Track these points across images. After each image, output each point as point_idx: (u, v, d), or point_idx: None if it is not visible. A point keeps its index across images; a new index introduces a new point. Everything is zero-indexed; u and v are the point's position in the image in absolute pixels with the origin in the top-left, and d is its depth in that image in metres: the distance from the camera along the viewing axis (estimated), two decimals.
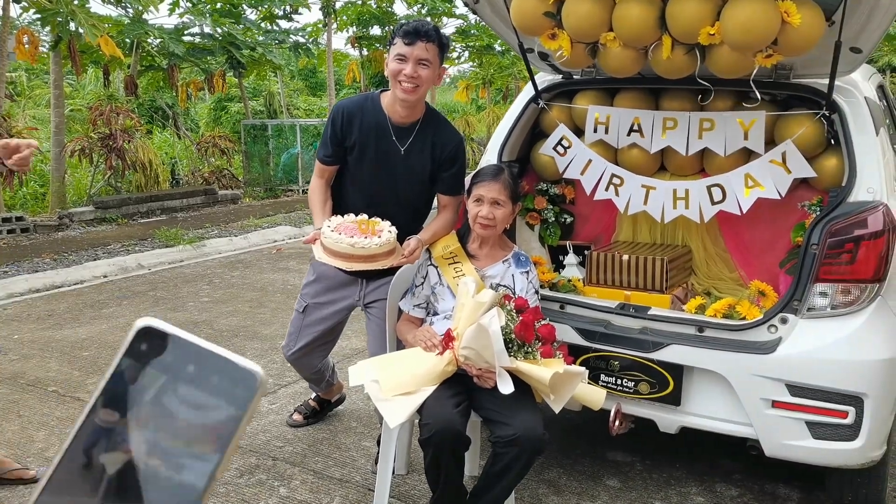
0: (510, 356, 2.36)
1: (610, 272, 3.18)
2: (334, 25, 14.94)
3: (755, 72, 2.55)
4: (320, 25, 15.14)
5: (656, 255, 3.14)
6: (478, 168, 2.92)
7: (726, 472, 3.15)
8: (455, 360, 2.43)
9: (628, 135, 3.21)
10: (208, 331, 5.02)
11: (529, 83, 3.38)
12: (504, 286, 2.68)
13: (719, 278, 3.36)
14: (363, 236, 2.61)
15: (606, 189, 3.19)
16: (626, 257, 3.14)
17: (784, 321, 2.57)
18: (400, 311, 2.84)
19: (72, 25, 9.31)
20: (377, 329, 2.94)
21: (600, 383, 2.77)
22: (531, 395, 2.49)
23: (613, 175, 3.18)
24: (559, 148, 3.30)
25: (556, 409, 2.47)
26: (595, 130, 3.26)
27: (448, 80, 24.33)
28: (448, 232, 2.83)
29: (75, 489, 0.48)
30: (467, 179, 2.85)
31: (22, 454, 3.24)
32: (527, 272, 2.75)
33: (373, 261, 2.62)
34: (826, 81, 2.69)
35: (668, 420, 2.74)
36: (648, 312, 2.83)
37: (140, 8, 11.27)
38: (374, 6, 15.06)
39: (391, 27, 14.75)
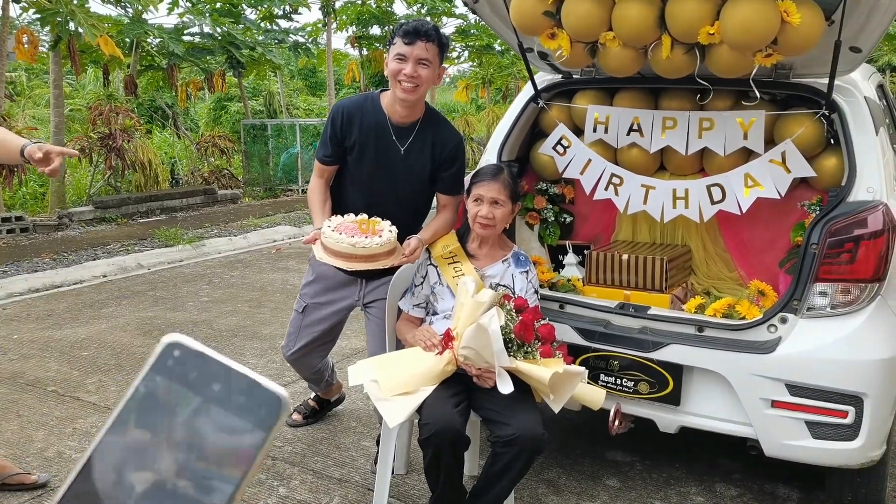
0: (510, 356, 2.36)
1: (609, 272, 3.17)
2: (334, 25, 14.94)
3: (755, 71, 2.54)
4: (320, 25, 15.14)
5: (656, 254, 3.14)
6: (477, 168, 2.92)
7: (726, 471, 3.15)
8: (454, 359, 2.43)
9: (628, 134, 3.20)
10: (208, 330, 5.02)
11: (529, 83, 3.38)
12: (503, 286, 2.68)
13: (719, 278, 3.35)
14: (364, 236, 2.61)
15: (606, 189, 3.19)
16: (625, 257, 3.14)
17: (784, 321, 2.56)
18: (399, 311, 2.84)
19: (71, 25, 9.31)
20: (376, 329, 2.94)
21: (600, 383, 2.77)
22: (531, 395, 2.49)
23: (613, 175, 3.18)
24: (559, 147, 3.29)
25: (556, 408, 2.47)
26: (594, 130, 3.26)
27: (448, 79, 24.35)
28: (448, 231, 2.83)
29: (93, 502, 0.48)
30: (467, 179, 2.85)
31: (21, 454, 3.24)
32: (526, 272, 2.74)
33: (374, 260, 2.62)
34: (826, 81, 2.69)
35: (667, 420, 2.74)
36: (648, 312, 2.83)
37: (139, 7, 11.27)
38: (374, 6, 15.06)
39: (391, 27, 14.76)
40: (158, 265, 7.18)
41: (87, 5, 9.80)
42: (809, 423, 2.49)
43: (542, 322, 2.51)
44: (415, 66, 2.63)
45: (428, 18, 13.42)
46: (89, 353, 4.57)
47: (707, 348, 2.64)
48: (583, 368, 2.52)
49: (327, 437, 3.44)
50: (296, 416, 3.55)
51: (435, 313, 2.75)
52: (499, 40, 13.64)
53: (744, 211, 2.95)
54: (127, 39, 11.62)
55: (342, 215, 2.76)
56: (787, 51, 2.42)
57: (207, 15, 12.36)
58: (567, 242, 3.53)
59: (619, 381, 2.76)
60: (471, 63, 19.27)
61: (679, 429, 2.73)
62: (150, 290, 6.21)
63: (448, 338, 2.47)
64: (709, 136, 3.06)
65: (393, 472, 2.78)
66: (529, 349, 2.41)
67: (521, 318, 2.43)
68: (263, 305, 5.68)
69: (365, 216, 2.72)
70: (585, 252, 3.36)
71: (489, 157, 3.33)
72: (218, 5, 12.89)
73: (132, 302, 5.79)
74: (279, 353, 3.92)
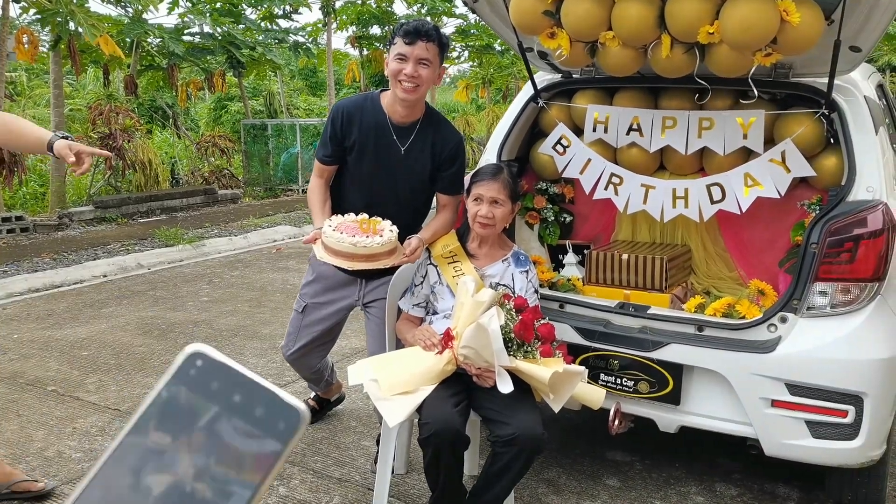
0: (509, 355, 2.36)
1: (609, 271, 3.17)
2: (334, 25, 14.94)
3: (753, 70, 2.54)
4: (320, 25, 15.14)
5: (656, 254, 3.14)
6: (477, 167, 2.92)
7: (726, 471, 3.15)
8: (454, 359, 2.43)
9: (627, 134, 3.20)
10: (208, 330, 5.02)
11: (528, 82, 3.38)
12: (503, 285, 2.68)
13: (719, 277, 3.35)
14: (365, 235, 2.61)
15: (606, 188, 3.19)
16: (625, 256, 3.14)
17: (783, 320, 2.56)
18: (399, 311, 2.84)
19: (71, 25, 9.31)
20: (376, 329, 2.94)
21: (600, 382, 2.77)
22: (530, 395, 2.49)
23: (613, 174, 3.18)
24: (558, 147, 3.29)
25: (556, 408, 2.47)
26: (594, 129, 3.26)
27: (448, 79, 24.35)
28: (448, 231, 2.83)
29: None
30: (466, 178, 2.85)
31: (21, 453, 3.24)
32: (526, 271, 2.74)
33: (374, 260, 2.62)
34: (825, 80, 2.69)
35: (667, 419, 2.74)
36: (648, 312, 2.83)
37: (140, 7, 11.27)
38: (374, 6, 15.06)
39: (391, 27, 14.76)
40: (158, 265, 7.18)
41: (86, 5, 9.80)
42: (809, 423, 2.49)
43: (542, 321, 2.51)
44: (415, 66, 2.63)
45: (428, 18, 13.43)
46: (89, 352, 4.57)
47: (707, 348, 2.64)
48: (583, 368, 2.52)
49: (327, 437, 3.44)
50: None
51: (435, 313, 2.75)
52: (499, 40, 13.64)
53: (743, 210, 2.95)
54: (127, 39, 11.62)
55: (342, 215, 2.76)
56: (786, 50, 2.42)
57: (208, 15, 12.36)
58: (567, 242, 3.53)
59: (618, 381, 2.76)
60: (471, 63, 19.28)
61: (679, 428, 2.73)
62: (150, 289, 6.21)
63: (448, 337, 2.47)
64: (708, 136, 3.06)
65: (393, 472, 2.78)
66: (529, 349, 2.41)
67: (520, 317, 2.44)
68: (263, 305, 5.68)
69: (365, 216, 2.72)
70: (585, 252, 3.36)
71: (489, 156, 3.33)
72: (218, 5, 12.89)
73: (132, 302, 5.80)
74: (279, 353, 3.92)
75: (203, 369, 0.50)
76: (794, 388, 2.49)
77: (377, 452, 2.82)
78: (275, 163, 13.41)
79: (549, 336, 2.47)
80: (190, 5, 12.59)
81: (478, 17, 3.14)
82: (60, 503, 2.85)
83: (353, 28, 15.61)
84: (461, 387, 2.48)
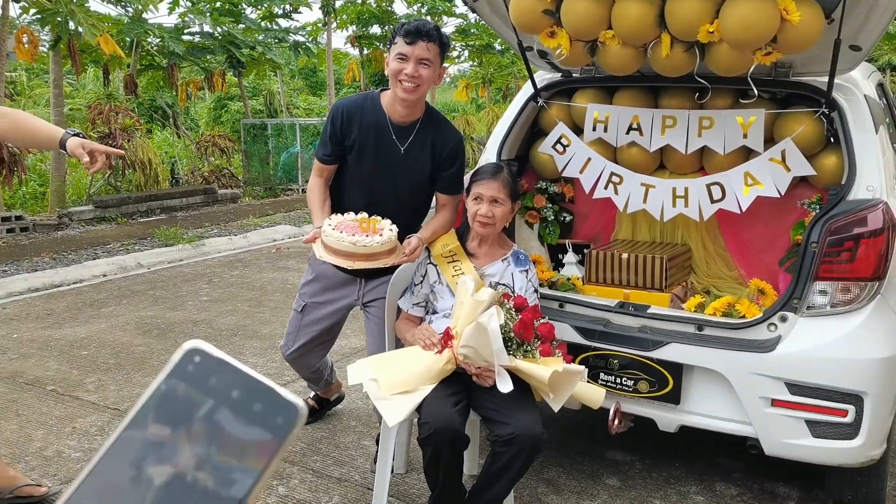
0: (509, 355, 2.35)
1: (609, 271, 3.17)
2: (334, 24, 14.94)
3: (752, 69, 2.54)
4: (320, 24, 15.14)
5: (656, 253, 3.14)
6: (477, 166, 2.92)
7: (726, 470, 3.15)
8: (454, 358, 2.42)
9: (627, 133, 3.20)
10: (207, 330, 5.02)
11: (528, 81, 3.38)
12: (503, 285, 2.68)
13: (719, 277, 3.35)
14: (364, 234, 2.61)
15: (606, 187, 3.19)
16: (625, 256, 3.14)
17: (783, 319, 2.56)
18: (399, 310, 2.83)
19: (71, 25, 9.31)
20: (376, 328, 2.94)
21: (599, 382, 2.76)
22: (530, 394, 2.48)
23: (613, 173, 3.17)
24: (558, 146, 3.29)
25: (556, 407, 2.47)
26: (594, 129, 3.26)
27: (448, 79, 24.34)
28: (447, 230, 2.82)
29: (102, 501, 0.49)
30: (466, 178, 2.85)
31: (20, 453, 3.24)
32: (526, 271, 2.74)
33: (374, 259, 2.61)
34: (825, 79, 2.68)
35: (667, 419, 2.73)
36: (648, 311, 2.83)
37: (140, 7, 11.26)
38: (374, 5, 15.06)
39: (391, 26, 14.76)
40: (158, 264, 7.17)
41: (86, 5, 9.80)
42: (809, 422, 2.49)
43: (542, 321, 2.50)
44: (416, 66, 2.63)
45: (428, 18, 13.42)
46: (89, 352, 4.57)
47: (707, 347, 2.64)
48: (582, 367, 2.52)
49: (327, 437, 3.44)
50: None
51: (434, 312, 2.74)
52: (499, 39, 13.64)
53: (743, 209, 2.95)
54: (127, 39, 11.62)
55: (342, 214, 2.76)
56: (786, 49, 2.42)
57: (208, 14, 12.36)
58: (567, 241, 3.53)
59: (618, 380, 2.76)
60: (471, 62, 19.27)
61: (679, 428, 2.73)
62: (149, 289, 6.21)
63: (447, 336, 2.46)
64: (708, 135, 3.05)
65: (392, 472, 2.78)
66: (529, 348, 2.41)
67: (520, 316, 2.43)
68: (263, 305, 5.68)
69: (365, 215, 2.72)
70: (585, 251, 3.36)
71: (489, 155, 3.33)
72: (218, 4, 12.88)
73: (132, 301, 5.79)
74: (279, 353, 3.92)
75: (201, 365, 0.50)
76: (794, 387, 2.49)
77: (377, 452, 2.82)
78: (275, 162, 13.41)
79: (549, 335, 2.47)
80: (190, 5, 12.58)
81: (478, 17, 3.14)
82: None
83: (353, 27, 15.61)
84: (461, 386, 2.48)
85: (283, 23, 14.68)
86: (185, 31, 12.63)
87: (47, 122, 2.50)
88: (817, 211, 2.79)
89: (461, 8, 14.91)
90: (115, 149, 2.51)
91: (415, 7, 15.52)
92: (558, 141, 3.29)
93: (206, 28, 12.80)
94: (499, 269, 2.73)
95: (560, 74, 3.39)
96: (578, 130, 3.35)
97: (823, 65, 2.63)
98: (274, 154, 13.46)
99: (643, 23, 2.50)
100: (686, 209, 3.04)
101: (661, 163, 3.37)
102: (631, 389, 2.74)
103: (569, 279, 3.19)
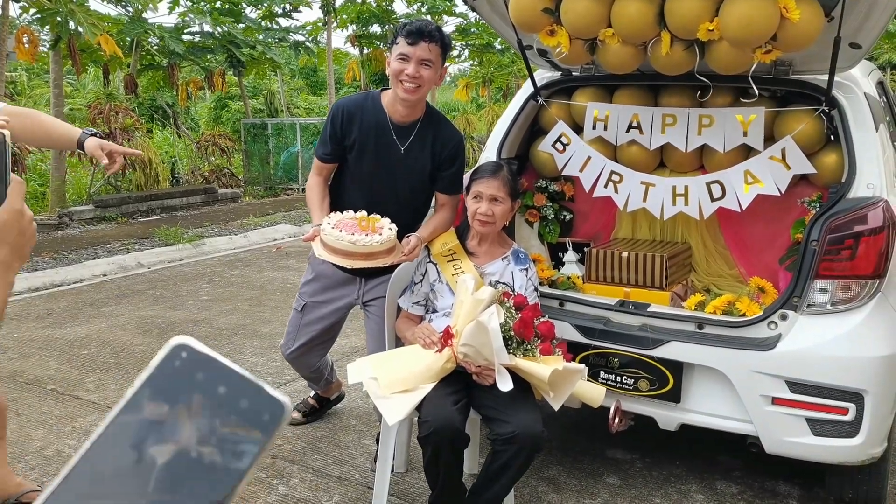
0: (509, 353, 2.35)
1: (609, 269, 3.17)
2: (334, 24, 14.93)
3: (753, 67, 2.54)
4: (320, 24, 15.13)
5: (656, 251, 3.14)
6: (477, 165, 2.91)
7: (726, 469, 3.15)
8: (454, 357, 2.42)
9: (627, 131, 3.20)
10: (208, 329, 5.02)
11: (528, 80, 3.37)
12: (503, 283, 2.68)
13: (719, 275, 3.35)
14: (364, 233, 2.61)
15: (606, 186, 3.19)
16: (625, 254, 3.14)
17: (784, 318, 2.56)
18: (399, 309, 2.83)
19: (71, 24, 9.31)
20: (376, 327, 2.94)
21: (600, 380, 2.76)
22: (530, 393, 2.48)
23: (612, 172, 3.17)
24: (558, 145, 3.29)
25: (556, 406, 2.47)
26: (594, 127, 3.26)
27: (448, 78, 24.32)
28: (446, 229, 2.82)
29: (89, 493, 0.49)
30: (466, 176, 2.85)
31: (20, 452, 3.24)
32: (526, 269, 2.74)
33: (373, 258, 2.61)
34: (825, 77, 2.68)
35: (667, 417, 2.73)
36: (648, 309, 2.82)
37: (140, 6, 11.26)
38: (374, 4, 15.05)
39: (391, 26, 14.76)
40: (158, 264, 7.17)
41: (86, 4, 9.80)
42: (810, 420, 2.48)
43: (542, 319, 2.50)
44: (417, 67, 2.62)
45: (428, 17, 13.43)
46: (89, 351, 4.57)
47: (707, 345, 2.64)
48: (582, 366, 2.52)
49: (327, 436, 3.44)
50: (295, 415, 3.54)
51: (434, 311, 2.74)
52: (499, 39, 13.64)
53: (744, 208, 2.95)
54: (127, 39, 11.62)
55: (341, 212, 2.76)
56: (786, 47, 2.42)
57: (208, 14, 12.35)
58: (567, 240, 3.53)
59: (619, 379, 2.76)
60: (471, 62, 19.26)
61: (679, 426, 2.73)
62: (150, 288, 6.21)
63: (447, 335, 2.46)
64: (708, 133, 3.05)
65: (392, 470, 2.78)
66: (529, 347, 2.41)
67: (520, 315, 2.43)
68: (263, 304, 5.68)
69: (364, 213, 2.72)
70: (585, 249, 3.36)
71: (489, 154, 3.33)
72: (218, 4, 12.88)
73: (132, 301, 5.79)
74: (279, 352, 3.91)
75: (188, 361, 0.50)
76: (794, 385, 2.49)
77: (377, 451, 2.82)
78: (275, 162, 13.41)
79: (549, 334, 2.46)
80: (190, 4, 12.59)
81: (478, 16, 3.14)
82: None
83: (354, 27, 15.60)
84: (461, 385, 2.48)
85: (284, 22, 14.68)
86: (185, 30, 12.63)
87: (63, 122, 2.50)
88: (817, 209, 2.79)
89: (461, 7, 14.91)
90: (133, 150, 2.51)
91: (415, 6, 15.51)
92: (558, 139, 3.29)
93: (207, 28, 12.80)
94: (499, 267, 2.73)
95: (560, 73, 3.39)
96: (578, 129, 3.35)
97: (823, 63, 2.63)
98: (274, 153, 13.45)
99: (643, 21, 2.50)
100: (686, 207, 3.04)
101: (661, 161, 3.37)
102: (631, 388, 2.74)
103: (569, 278, 3.19)
